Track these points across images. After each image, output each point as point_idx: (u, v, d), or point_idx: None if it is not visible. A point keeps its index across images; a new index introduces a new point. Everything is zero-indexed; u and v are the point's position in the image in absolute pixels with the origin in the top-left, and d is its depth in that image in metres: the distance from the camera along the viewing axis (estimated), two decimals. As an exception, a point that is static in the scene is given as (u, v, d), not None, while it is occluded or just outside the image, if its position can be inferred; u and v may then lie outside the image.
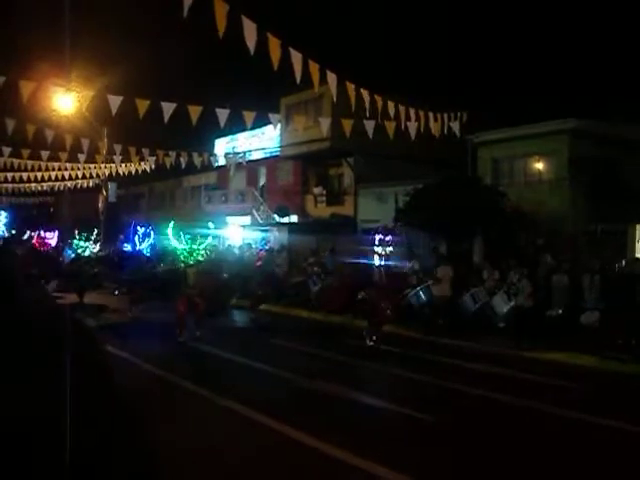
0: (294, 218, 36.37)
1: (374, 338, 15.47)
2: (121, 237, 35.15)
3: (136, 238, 32.14)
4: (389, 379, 12.04)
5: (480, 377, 12.24)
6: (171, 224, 17.61)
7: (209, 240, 18.01)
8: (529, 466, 7.28)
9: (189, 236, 17.31)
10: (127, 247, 32.70)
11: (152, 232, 31.54)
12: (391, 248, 18.02)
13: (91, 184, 36.62)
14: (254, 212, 38.24)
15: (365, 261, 18.95)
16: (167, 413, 8.93)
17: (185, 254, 16.93)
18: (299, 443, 7.73)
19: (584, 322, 14.54)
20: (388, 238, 18.05)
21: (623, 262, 16.92)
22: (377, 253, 17.57)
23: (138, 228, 32.48)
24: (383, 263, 17.62)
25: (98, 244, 32.95)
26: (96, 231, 33.99)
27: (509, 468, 7.21)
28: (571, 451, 7.83)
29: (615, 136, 22.48)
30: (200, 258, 17.27)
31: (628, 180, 21.83)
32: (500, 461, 7.41)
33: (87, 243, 31.67)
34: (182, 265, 17.01)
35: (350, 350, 14.87)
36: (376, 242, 17.80)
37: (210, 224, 18.90)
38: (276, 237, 32.45)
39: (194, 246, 17.11)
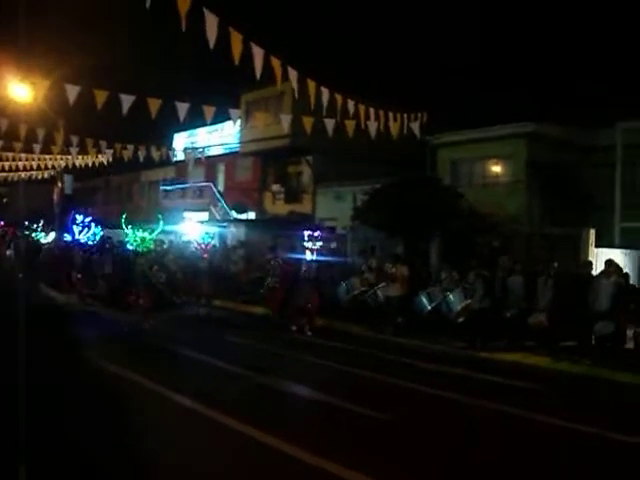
0: (252, 215, 36.25)
1: (294, 327, 17.17)
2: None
3: (75, 228, 31.45)
4: (344, 377, 12.04)
5: (434, 376, 12.32)
6: (123, 214, 17.59)
7: (159, 230, 17.90)
8: (484, 465, 7.32)
9: (141, 226, 17.28)
10: (67, 237, 31.99)
11: (94, 223, 31.09)
12: (321, 243, 18.45)
13: (46, 175, 36.02)
14: (212, 208, 38.00)
15: (300, 257, 19.23)
16: (119, 409, 8.81)
17: (137, 242, 16.87)
18: (253, 439, 7.68)
19: (531, 323, 14.72)
20: (317, 234, 18.30)
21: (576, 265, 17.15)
22: (308, 249, 17.95)
23: (77, 217, 31.74)
24: (314, 258, 17.95)
25: (50, 235, 32.52)
26: (42, 222, 33.64)
27: (463, 466, 7.23)
28: (523, 450, 7.89)
29: (571, 141, 22.82)
30: (150, 247, 17.26)
31: (582, 185, 22.18)
32: (454, 459, 7.44)
33: (41, 234, 31.25)
34: (132, 255, 17.03)
35: (304, 347, 14.87)
36: (306, 238, 18.17)
37: (160, 216, 18.78)
38: (233, 233, 32.30)
39: (145, 235, 17.05)
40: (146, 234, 17.09)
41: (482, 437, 8.40)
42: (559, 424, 8.97)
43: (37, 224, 33.07)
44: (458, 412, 9.73)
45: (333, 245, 20.87)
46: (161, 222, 17.60)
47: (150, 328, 16.13)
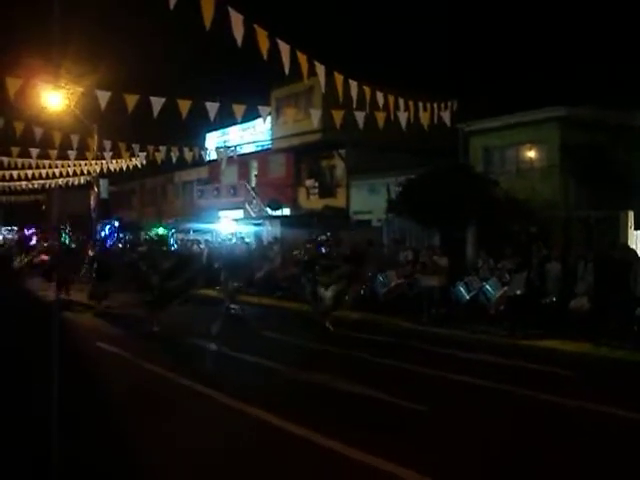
0: (286, 211, 36.34)
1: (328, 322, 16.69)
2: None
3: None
4: (383, 369, 12.01)
5: (475, 366, 12.24)
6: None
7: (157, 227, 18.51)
8: (528, 455, 7.26)
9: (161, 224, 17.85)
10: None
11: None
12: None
13: (82, 181, 36.55)
14: (246, 206, 38.19)
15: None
16: (162, 410, 8.89)
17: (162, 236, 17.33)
18: (296, 436, 7.69)
19: (573, 307, 14.52)
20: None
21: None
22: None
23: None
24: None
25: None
26: (68, 227, 34.98)
27: (508, 457, 7.18)
28: (567, 438, 7.82)
29: (605, 123, 22.45)
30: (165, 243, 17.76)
31: (619, 166, 21.82)
32: (499, 450, 7.38)
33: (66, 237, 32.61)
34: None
35: (342, 341, 14.86)
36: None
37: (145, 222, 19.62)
38: (269, 230, 32.42)
39: (161, 231, 17.55)
40: (161, 230, 17.63)
41: (522, 426, 8.33)
42: (599, 410, 8.88)
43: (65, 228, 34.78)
44: (499, 401, 9.66)
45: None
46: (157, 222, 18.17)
47: (157, 327, 16.17)
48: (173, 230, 34.75)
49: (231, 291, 20.35)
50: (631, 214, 19.31)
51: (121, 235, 35.34)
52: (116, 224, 36.25)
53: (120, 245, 32.28)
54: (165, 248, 18.02)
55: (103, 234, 34.76)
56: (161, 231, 32.32)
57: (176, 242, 32.18)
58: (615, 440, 7.78)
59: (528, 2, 44.54)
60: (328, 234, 24.67)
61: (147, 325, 16.10)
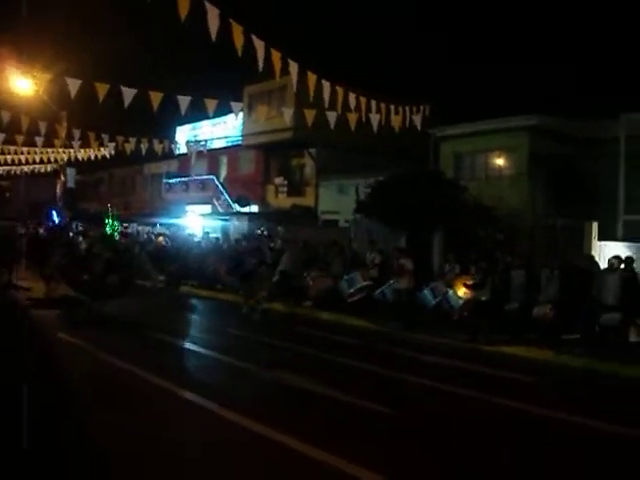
0: (255, 208, 36.23)
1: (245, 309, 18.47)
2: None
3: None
4: (349, 371, 11.98)
5: (438, 370, 12.26)
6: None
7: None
8: (487, 459, 7.29)
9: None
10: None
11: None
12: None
13: (49, 169, 36.09)
14: (214, 201, 38.00)
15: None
16: (126, 406, 8.76)
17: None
18: (263, 437, 7.60)
19: (536, 315, 14.62)
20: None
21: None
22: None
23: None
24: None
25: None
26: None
27: (469, 461, 7.20)
28: (527, 444, 7.86)
29: (575, 133, 22.72)
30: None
31: (586, 177, 22.10)
32: (461, 454, 7.39)
33: None
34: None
35: (307, 340, 14.82)
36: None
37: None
38: (236, 227, 32.31)
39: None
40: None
41: (481, 430, 8.37)
42: (557, 417, 8.95)
43: None
44: (459, 405, 9.68)
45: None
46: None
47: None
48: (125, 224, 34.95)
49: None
50: (595, 225, 19.55)
51: (73, 224, 35.22)
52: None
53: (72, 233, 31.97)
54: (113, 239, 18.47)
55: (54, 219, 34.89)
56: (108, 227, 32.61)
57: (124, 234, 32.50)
58: (572, 446, 7.84)
59: (503, 10, 44.95)
60: (262, 229, 25.66)
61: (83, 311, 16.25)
